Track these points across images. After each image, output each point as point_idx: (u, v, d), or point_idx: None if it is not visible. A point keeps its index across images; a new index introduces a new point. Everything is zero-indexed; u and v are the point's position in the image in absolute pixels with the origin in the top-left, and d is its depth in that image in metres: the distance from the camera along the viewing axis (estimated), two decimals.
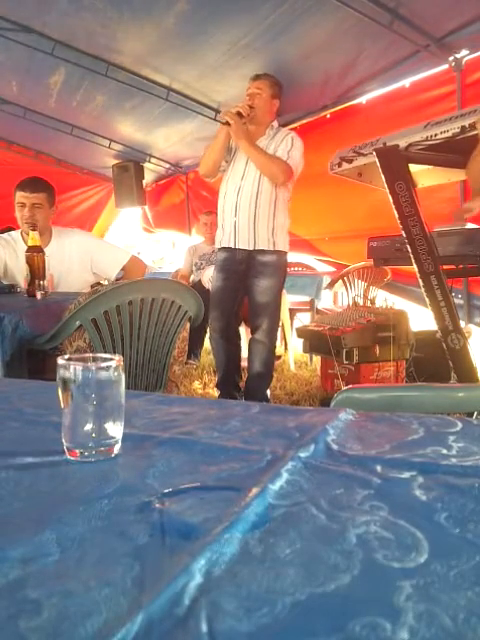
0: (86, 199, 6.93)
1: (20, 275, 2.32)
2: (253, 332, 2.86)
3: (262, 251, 2.74)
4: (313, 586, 0.34)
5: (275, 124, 2.84)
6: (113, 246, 2.74)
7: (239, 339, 3.00)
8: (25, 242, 2.37)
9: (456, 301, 1.99)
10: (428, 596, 0.33)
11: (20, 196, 2.31)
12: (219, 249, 2.85)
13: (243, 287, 2.82)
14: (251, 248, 2.73)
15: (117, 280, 2.48)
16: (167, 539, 0.41)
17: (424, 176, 2.02)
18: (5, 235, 2.43)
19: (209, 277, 3.45)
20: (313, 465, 0.54)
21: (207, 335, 3.61)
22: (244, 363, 3.05)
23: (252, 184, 2.70)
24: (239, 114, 2.61)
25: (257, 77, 2.77)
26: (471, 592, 0.33)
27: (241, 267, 2.77)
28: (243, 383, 3.03)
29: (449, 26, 3.13)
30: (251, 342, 2.86)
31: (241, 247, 2.74)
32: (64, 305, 1.78)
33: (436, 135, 1.63)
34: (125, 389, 0.59)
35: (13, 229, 2.50)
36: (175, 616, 0.32)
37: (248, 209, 2.72)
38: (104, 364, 0.57)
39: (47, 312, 1.80)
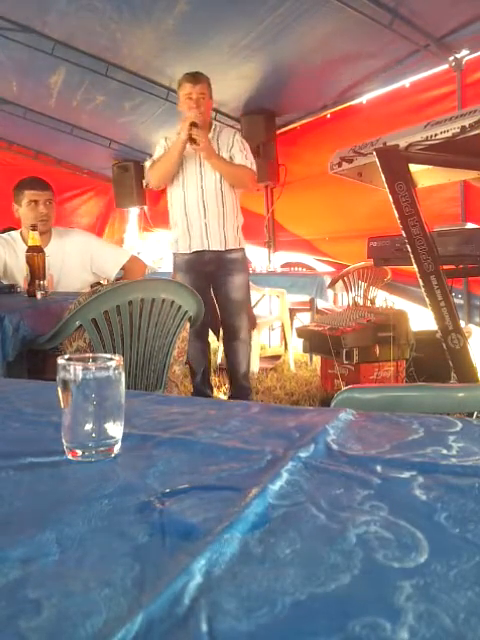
0: (87, 200, 6.93)
1: (20, 275, 2.32)
2: (233, 332, 2.84)
3: (231, 250, 2.76)
4: (313, 586, 0.34)
5: (215, 123, 2.84)
6: (113, 246, 2.74)
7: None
8: (25, 242, 2.38)
9: (456, 301, 1.99)
10: (428, 596, 0.33)
11: (32, 194, 2.33)
12: (187, 254, 2.78)
13: (210, 288, 2.80)
14: (223, 248, 2.74)
15: (117, 280, 2.48)
16: (167, 539, 0.41)
17: (424, 176, 2.02)
18: (5, 235, 2.44)
19: None
20: (313, 465, 0.54)
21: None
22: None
23: (215, 185, 2.72)
24: (194, 124, 2.58)
25: (196, 80, 2.67)
26: (471, 592, 0.33)
27: (209, 267, 2.76)
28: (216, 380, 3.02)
29: (449, 26, 3.13)
30: (235, 343, 2.84)
31: (214, 248, 2.73)
32: (64, 305, 1.78)
33: (436, 135, 1.63)
34: (125, 389, 0.59)
35: (13, 229, 2.50)
36: (175, 616, 0.32)
37: (216, 209, 2.72)
38: (104, 364, 0.57)
39: (47, 312, 1.80)
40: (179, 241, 2.82)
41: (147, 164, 2.85)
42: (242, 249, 2.83)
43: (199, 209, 2.73)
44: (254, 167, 2.76)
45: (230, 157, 2.73)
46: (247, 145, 2.79)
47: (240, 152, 2.73)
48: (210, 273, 2.77)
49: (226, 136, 2.77)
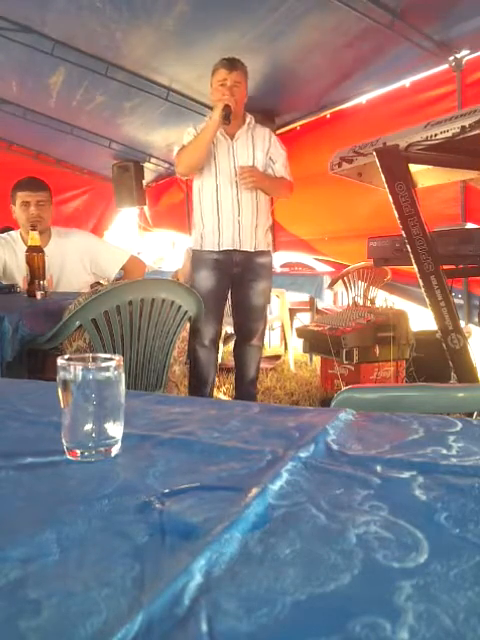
0: (87, 200, 6.93)
1: (19, 274, 2.33)
2: (249, 336, 2.75)
3: (261, 252, 2.67)
4: (313, 586, 0.34)
5: (249, 117, 2.69)
6: (113, 246, 2.74)
7: None
8: (24, 242, 2.38)
9: (456, 301, 1.99)
10: (428, 596, 0.33)
11: (24, 195, 2.33)
12: (216, 252, 2.64)
13: (231, 290, 2.70)
14: (253, 250, 2.63)
15: (117, 280, 2.48)
16: (167, 539, 0.41)
17: (424, 176, 2.02)
18: (4, 235, 2.44)
19: None
20: (313, 465, 0.54)
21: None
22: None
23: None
24: (228, 107, 2.45)
25: (233, 66, 2.52)
26: (471, 592, 0.33)
27: (236, 269, 2.64)
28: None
29: (449, 26, 3.13)
30: (249, 347, 2.76)
31: (245, 249, 2.61)
32: (64, 305, 1.78)
33: (436, 135, 1.63)
34: (125, 389, 0.59)
35: (12, 229, 2.50)
36: (175, 616, 0.32)
37: (251, 209, 2.61)
38: (104, 364, 0.57)
39: (47, 312, 1.80)
40: (206, 238, 2.65)
41: (176, 149, 2.67)
42: (270, 253, 2.74)
43: (233, 206, 2.59)
44: (291, 177, 2.69)
45: (269, 158, 2.64)
46: (284, 148, 2.70)
47: (280, 157, 2.65)
48: (235, 275, 2.65)
49: (261, 132, 2.67)
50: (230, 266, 2.64)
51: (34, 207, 2.32)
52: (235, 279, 2.67)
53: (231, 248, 2.61)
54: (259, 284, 2.69)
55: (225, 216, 2.60)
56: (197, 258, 2.70)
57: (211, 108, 2.76)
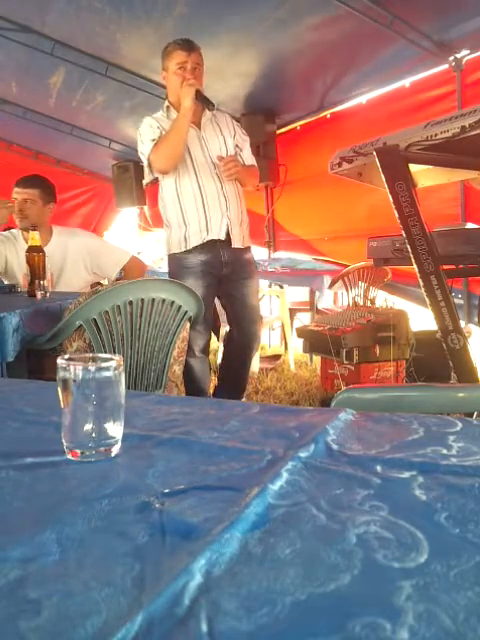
0: (87, 200, 6.93)
1: (20, 271, 2.35)
2: (249, 341, 2.63)
3: (247, 249, 2.57)
4: (313, 586, 0.34)
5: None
6: (114, 246, 2.75)
7: None
8: (25, 239, 2.40)
9: (456, 301, 1.99)
10: (428, 596, 0.33)
11: (14, 191, 2.39)
12: (201, 247, 2.43)
13: (223, 293, 2.57)
14: (242, 245, 2.51)
15: (117, 280, 2.48)
16: (167, 539, 0.41)
17: (424, 176, 2.02)
18: (5, 232, 2.46)
19: None
20: (313, 465, 0.54)
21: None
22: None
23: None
24: (199, 92, 2.30)
25: (191, 47, 2.36)
26: (471, 592, 0.33)
27: (225, 270, 2.48)
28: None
29: (449, 26, 3.13)
30: (251, 352, 2.66)
31: (235, 245, 2.48)
32: (64, 305, 1.78)
33: (436, 135, 1.63)
34: (125, 389, 0.59)
35: (14, 228, 2.52)
36: (175, 616, 0.32)
37: (236, 203, 2.48)
38: (104, 364, 0.57)
39: (47, 312, 1.80)
40: (191, 238, 2.44)
41: (145, 149, 2.43)
42: (251, 248, 2.64)
43: (220, 201, 2.43)
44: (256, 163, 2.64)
45: (235, 145, 2.54)
46: (248, 135, 2.63)
47: (245, 143, 2.57)
48: (225, 276, 2.50)
49: (223, 119, 2.56)
50: (218, 267, 2.47)
51: (18, 203, 2.35)
52: (224, 280, 2.50)
53: (217, 238, 2.43)
54: (251, 282, 2.59)
55: (213, 213, 2.42)
56: (180, 264, 2.47)
57: (164, 97, 2.59)
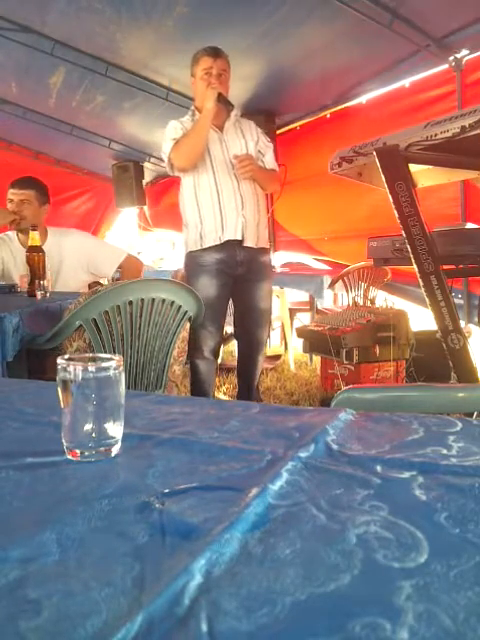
0: (86, 200, 6.93)
1: (17, 274, 2.36)
2: (257, 344, 2.64)
3: (263, 250, 2.58)
4: (313, 586, 0.34)
5: (234, 109, 2.59)
6: (110, 245, 2.75)
7: None
8: (20, 241, 2.41)
9: (456, 301, 1.99)
10: (428, 596, 0.33)
11: (10, 193, 2.40)
12: (217, 246, 2.47)
13: (235, 293, 2.58)
14: (256, 246, 2.52)
15: (116, 279, 2.49)
16: (167, 539, 0.41)
17: (424, 176, 2.02)
18: (1, 234, 2.47)
19: None
20: (313, 465, 0.54)
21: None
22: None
23: (250, 179, 2.52)
24: (221, 95, 2.38)
25: (218, 54, 2.43)
26: (471, 592, 0.33)
27: (239, 270, 2.50)
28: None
29: (449, 26, 3.13)
30: (258, 356, 2.66)
31: (248, 245, 2.48)
32: (64, 305, 1.78)
33: (436, 135, 1.63)
34: (125, 389, 0.59)
35: (9, 231, 2.53)
36: (175, 616, 0.32)
37: (253, 205, 2.50)
38: (104, 364, 0.57)
39: (47, 312, 1.80)
40: (207, 237, 2.47)
41: (166, 147, 2.50)
42: (270, 250, 2.67)
43: (236, 200, 2.45)
44: (278, 169, 2.68)
45: (258, 151, 2.59)
46: (271, 143, 2.68)
47: (268, 149, 2.61)
48: (239, 276, 2.51)
49: (247, 125, 2.62)
50: (234, 266, 2.49)
51: (15, 204, 2.36)
52: (238, 280, 2.53)
53: (234, 238, 2.45)
54: (264, 285, 2.59)
55: (229, 212, 2.45)
56: (196, 262, 2.51)
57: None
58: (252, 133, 2.60)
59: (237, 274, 2.52)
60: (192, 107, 2.63)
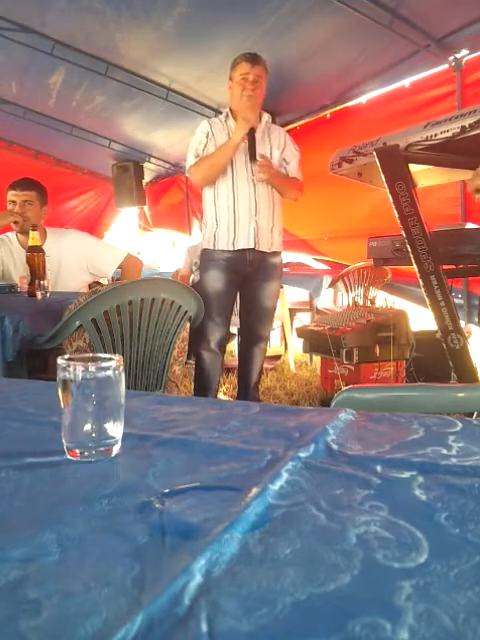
0: (86, 200, 6.93)
1: (16, 274, 2.36)
2: (255, 338, 2.71)
3: (275, 253, 2.64)
4: (313, 586, 0.34)
5: (266, 116, 2.66)
6: (109, 245, 2.75)
7: None
8: (19, 242, 2.41)
9: (456, 301, 1.99)
10: (428, 596, 0.33)
11: (11, 195, 2.40)
12: (229, 251, 2.57)
13: (241, 291, 2.66)
14: (268, 250, 2.59)
15: (116, 279, 2.49)
16: (167, 539, 0.41)
17: (424, 176, 2.02)
18: (1, 235, 2.47)
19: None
20: (313, 465, 0.54)
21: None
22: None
23: (266, 184, 2.57)
24: (253, 130, 2.45)
25: (255, 60, 2.50)
26: (471, 592, 0.33)
27: (248, 269, 2.58)
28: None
29: (449, 26, 3.13)
30: (255, 349, 2.72)
31: (262, 249, 2.57)
32: (64, 305, 1.78)
33: (436, 135, 1.63)
34: (125, 389, 0.59)
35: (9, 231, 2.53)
36: (175, 616, 0.32)
37: (268, 210, 2.57)
38: (104, 364, 0.57)
39: (47, 312, 1.80)
40: (220, 238, 2.58)
41: (188, 159, 2.61)
42: (281, 253, 2.72)
43: (250, 206, 2.54)
44: (302, 178, 2.70)
45: (282, 159, 2.63)
46: (298, 149, 2.70)
47: (294, 158, 2.64)
48: (247, 274, 2.60)
49: (277, 133, 2.65)
50: (243, 265, 2.57)
51: (18, 205, 2.36)
52: (246, 278, 2.61)
53: (246, 247, 2.55)
54: (271, 285, 2.65)
55: (242, 215, 2.54)
56: (208, 257, 2.62)
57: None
58: (280, 140, 2.65)
59: (246, 273, 2.60)
60: (227, 109, 2.67)
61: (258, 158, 2.51)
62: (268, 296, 2.66)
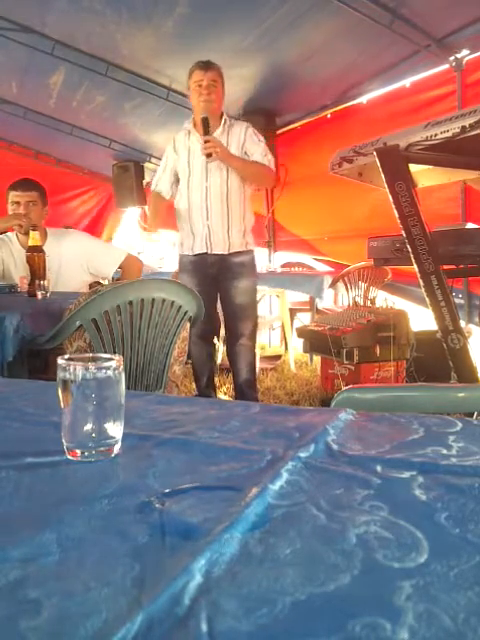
0: (87, 200, 6.93)
1: (17, 274, 2.36)
2: (235, 336, 2.77)
3: (237, 253, 2.69)
4: (313, 586, 0.34)
5: (225, 117, 2.68)
6: (109, 245, 2.76)
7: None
8: (20, 242, 2.41)
9: (456, 301, 1.99)
10: (428, 596, 0.33)
11: (14, 195, 2.39)
12: (191, 255, 2.73)
13: (216, 290, 2.73)
14: (226, 252, 2.67)
15: (116, 279, 2.49)
16: (167, 539, 0.41)
17: (424, 176, 2.02)
18: (1, 235, 2.47)
19: None
20: (313, 465, 0.54)
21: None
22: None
23: (220, 184, 2.61)
24: (206, 119, 2.49)
25: (208, 67, 2.56)
26: (471, 592, 0.33)
27: (212, 270, 2.69)
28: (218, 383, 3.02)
29: (450, 26, 3.13)
30: (237, 347, 2.77)
31: (216, 252, 2.66)
32: (64, 305, 1.78)
33: (436, 135, 1.63)
34: (125, 389, 0.59)
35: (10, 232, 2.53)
36: (175, 616, 0.32)
37: (220, 212, 2.63)
38: (104, 364, 0.57)
39: (47, 312, 1.80)
40: (184, 243, 2.75)
41: (157, 173, 2.86)
42: (250, 252, 2.75)
43: (202, 211, 2.63)
44: (272, 163, 2.68)
45: (244, 153, 2.63)
46: (262, 138, 2.69)
47: (256, 146, 2.63)
48: (214, 276, 2.70)
49: (238, 130, 2.66)
50: (206, 267, 2.70)
51: (22, 206, 2.36)
52: (215, 279, 2.71)
53: (203, 251, 2.67)
54: (239, 283, 2.70)
55: (195, 220, 2.67)
56: (180, 261, 2.83)
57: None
58: (240, 137, 2.65)
59: (212, 273, 2.71)
60: (186, 124, 2.74)
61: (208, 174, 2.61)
62: (239, 293, 2.71)
